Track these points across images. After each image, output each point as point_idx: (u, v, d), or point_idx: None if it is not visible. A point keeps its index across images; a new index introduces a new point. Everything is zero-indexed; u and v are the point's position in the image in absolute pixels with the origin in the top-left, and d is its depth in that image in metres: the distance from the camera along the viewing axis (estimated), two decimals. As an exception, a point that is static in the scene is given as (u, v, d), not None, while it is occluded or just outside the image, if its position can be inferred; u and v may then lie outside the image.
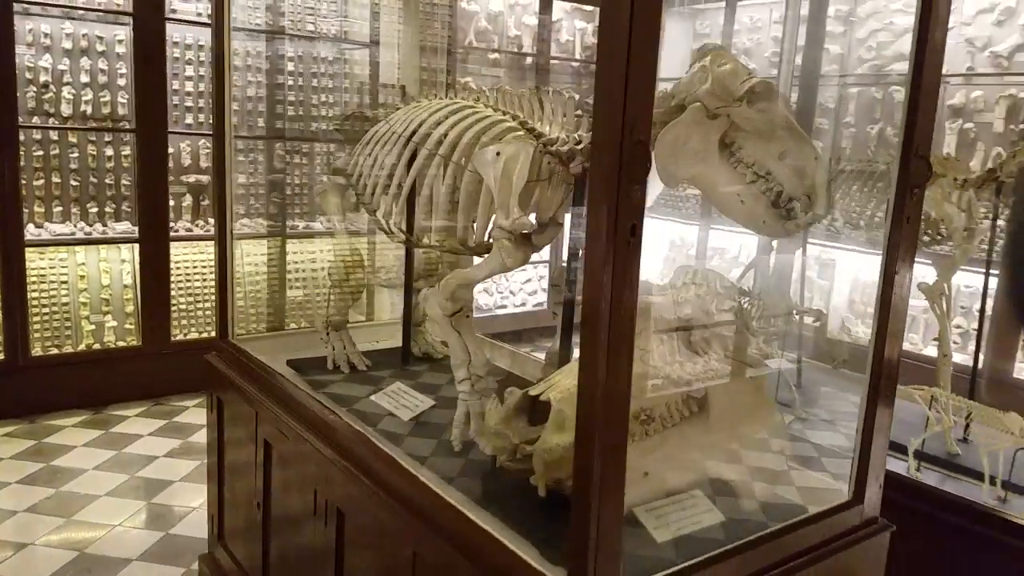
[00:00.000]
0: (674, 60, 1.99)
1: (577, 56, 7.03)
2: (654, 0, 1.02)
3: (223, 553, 2.56)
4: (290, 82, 4.89)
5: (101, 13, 4.59)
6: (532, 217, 1.80)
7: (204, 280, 4.92)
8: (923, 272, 2.54)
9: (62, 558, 2.83)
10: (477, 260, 1.91)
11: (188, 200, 4.95)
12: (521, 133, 1.83)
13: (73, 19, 4.56)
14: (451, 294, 1.83)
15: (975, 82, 4.61)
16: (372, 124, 2.31)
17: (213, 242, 2.89)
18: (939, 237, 2.77)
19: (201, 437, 3.99)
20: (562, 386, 1.45)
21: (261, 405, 2.20)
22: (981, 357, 2.89)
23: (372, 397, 2.10)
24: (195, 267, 4.91)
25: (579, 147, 1.68)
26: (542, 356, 2.18)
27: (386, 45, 5.33)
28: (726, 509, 1.54)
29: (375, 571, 1.72)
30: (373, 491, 1.69)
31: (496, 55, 6.42)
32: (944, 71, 1.60)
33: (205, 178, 5.03)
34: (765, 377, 1.60)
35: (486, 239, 1.87)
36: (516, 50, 6.51)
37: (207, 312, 4.88)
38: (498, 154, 1.78)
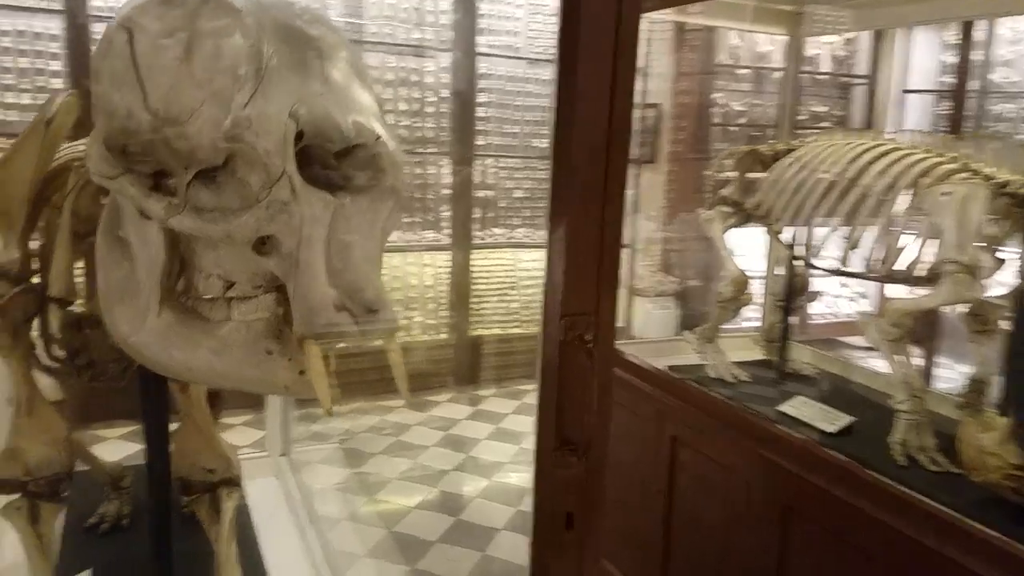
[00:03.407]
0: None
1: (824, 70, 6.98)
2: None
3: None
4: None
5: (417, 48, 5.24)
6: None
7: (488, 283, 5.46)
8: None
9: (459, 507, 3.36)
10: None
11: (477, 212, 5.51)
12: (966, 175, 2.01)
13: (393, 53, 5.23)
14: (896, 321, 2.05)
15: None
16: (768, 160, 2.59)
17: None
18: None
19: (509, 424, 4.49)
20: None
21: (665, 404, 2.54)
22: None
23: (780, 407, 2.36)
24: (482, 271, 5.46)
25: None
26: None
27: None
28: None
29: (830, 568, 1.97)
30: (827, 492, 1.95)
31: (745, 71, 6.56)
32: None
33: (492, 193, 5.57)
34: None
35: (915, 271, 2.08)
36: (765, 66, 6.59)
37: (493, 310, 5.43)
38: (946, 194, 1.99)
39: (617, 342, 3.08)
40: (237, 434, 4.04)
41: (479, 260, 5.43)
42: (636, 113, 5.66)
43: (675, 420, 2.51)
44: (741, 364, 2.77)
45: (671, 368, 2.72)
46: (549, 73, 5.47)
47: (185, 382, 1.28)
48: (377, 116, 0.91)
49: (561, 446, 0.69)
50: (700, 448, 2.42)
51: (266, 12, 0.84)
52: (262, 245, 0.85)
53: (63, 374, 1.25)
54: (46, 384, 1.36)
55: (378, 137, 0.89)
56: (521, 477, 3.82)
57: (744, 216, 2.74)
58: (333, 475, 3.53)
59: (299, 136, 0.84)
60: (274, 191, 0.81)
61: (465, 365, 5.08)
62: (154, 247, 0.87)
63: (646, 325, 5.74)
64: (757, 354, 2.90)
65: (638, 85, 5.67)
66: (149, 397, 1.19)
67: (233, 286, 0.89)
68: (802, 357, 2.86)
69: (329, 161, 0.90)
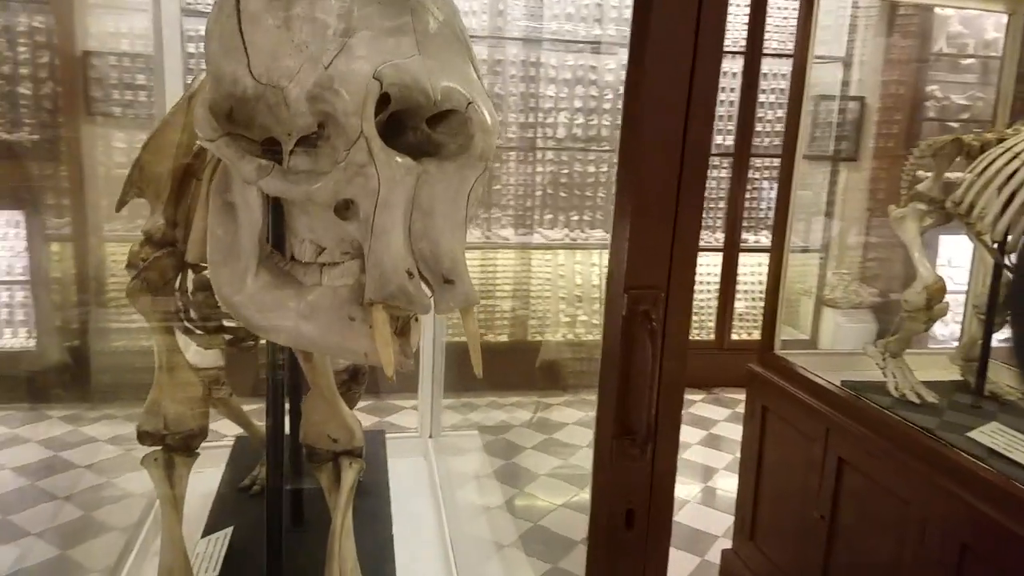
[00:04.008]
0: None
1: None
2: None
3: (753, 550, 2.72)
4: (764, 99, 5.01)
5: (596, 44, 5.19)
6: None
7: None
8: None
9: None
10: None
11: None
12: None
13: (572, 52, 5.22)
14: None
15: None
16: (975, 151, 2.25)
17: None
18: None
19: (689, 435, 4.32)
20: None
21: (833, 422, 2.29)
22: None
23: (970, 434, 2.04)
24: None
25: None
26: None
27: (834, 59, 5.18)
28: None
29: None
30: (1015, 533, 1.64)
31: (970, 60, 5.82)
32: None
33: (667, 192, 5.41)
34: None
35: None
36: (992, 55, 5.81)
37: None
38: None
39: (787, 351, 2.85)
40: (406, 416, 4.22)
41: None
42: (833, 105, 5.22)
43: (844, 440, 2.26)
44: (930, 383, 2.44)
45: (844, 383, 2.45)
46: (738, 67, 5.19)
47: (307, 351, 1.33)
48: (472, 82, 0.87)
49: (621, 435, 0.61)
50: (870, 473, 2.15)
51: None
52: (345, 210, 0.84)
53: (199, 337, 1.35)
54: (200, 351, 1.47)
55: (469, 102, 0.85)
56: (677, 488, 3.67)
57: (944, 215, 2.41)
58: (483, 463, 3.57)
59: (387, 99, 0.82)
60: (351, 153, 0.79)
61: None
62: (254, 210, 0.90)
63: (836, 339, 5.29)
64: (953, 374, 2.55)
65: (838, 75, 5.25)
66: (272, 364, 1.24)
67: (324, 251, 0.90)
68: (1006, 380, 2.45)
69: (422, 127, 0.87)
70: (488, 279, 4.88)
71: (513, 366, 4.77)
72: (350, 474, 1.44)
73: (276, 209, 0.95)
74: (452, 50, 0.88)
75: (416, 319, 0.90)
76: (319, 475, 1.46)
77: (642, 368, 0.60)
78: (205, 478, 2.26)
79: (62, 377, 3.98)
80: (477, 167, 0.85)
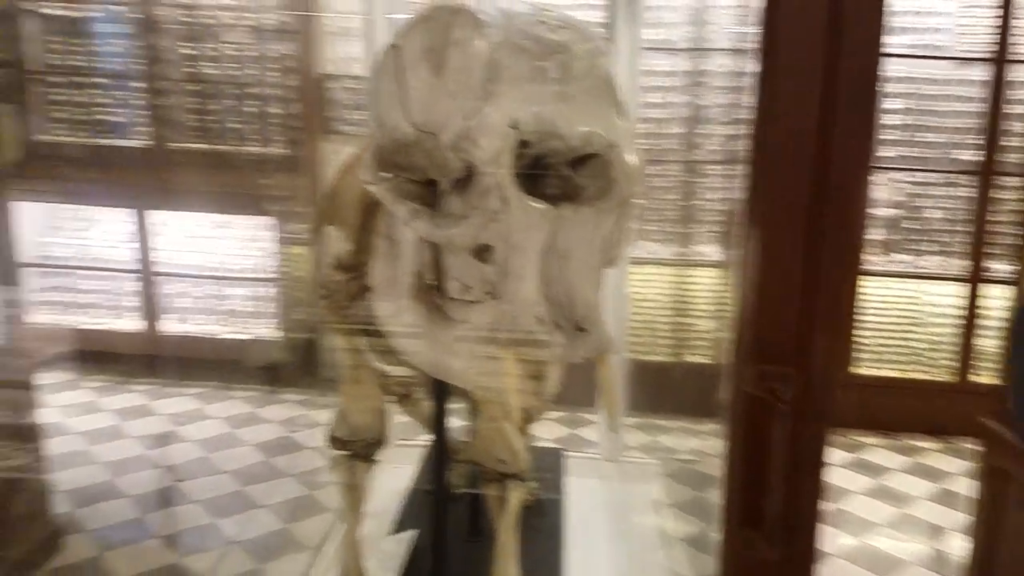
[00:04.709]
0: None
1: None
2: None
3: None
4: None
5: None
6: None
7: (882, 316, 4.83)
8: None
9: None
10: None
11: (877, 234, 4.90)
12: None
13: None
14: None
15: None
16: None
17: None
18: None
19: (893, 481, 3.90)
20: None
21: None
22: None
23: None
24: (876, 301, 4.85)
25: None
26: None
27: None
28: None
29: None
30: None
31: None
32: None
33: (897, 212, 4.90)
34: None
35: None
36: None
37: (886, 348, 4.78)
38: None
39: None
40: (594, 431, 4.22)
41: (873, 288, 4.83)
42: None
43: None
44: None
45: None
46: (980, 73, 4.55)
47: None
48: (614, 126, 0.87)
49: (747, 525, 0.55)
50: None
51: (511, 21, 0.86)
52: (484, 252, 0.87)
53: (379, 351, 1.45)
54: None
55: (611, 146, 0.84)
56: (896, 545, 3.30)
57: None
58: (666, 491, 3.46)
59: (527, 145, 0.84)
60: (488, 199, 0.82)
61: (842, 405, 4.53)
62: (409, 248, 0.96)
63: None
64: None
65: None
66: (436, 385, 1.31)
67: (470, 290, 0.94)
68: None
69: (564, 171, 0.88)
70: (684, 297, 4.75)
71: (711, 391, 4.59)
72: (515, 496, 1.47)
73: (439, 249, 1.00)
74: (595, 94, 0.88)
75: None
76: (487, 492, 1.51)
77: (769, 451, 0.53)
78: (401, 474, 2.43)
79: (299, 365, 4.49)
80: (616, 210, 0.84)
